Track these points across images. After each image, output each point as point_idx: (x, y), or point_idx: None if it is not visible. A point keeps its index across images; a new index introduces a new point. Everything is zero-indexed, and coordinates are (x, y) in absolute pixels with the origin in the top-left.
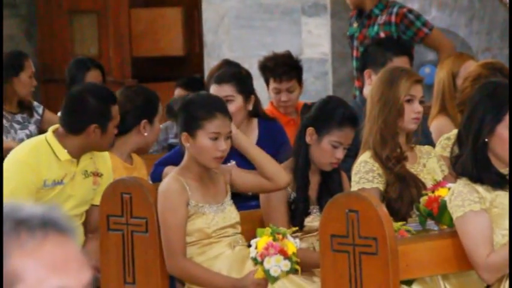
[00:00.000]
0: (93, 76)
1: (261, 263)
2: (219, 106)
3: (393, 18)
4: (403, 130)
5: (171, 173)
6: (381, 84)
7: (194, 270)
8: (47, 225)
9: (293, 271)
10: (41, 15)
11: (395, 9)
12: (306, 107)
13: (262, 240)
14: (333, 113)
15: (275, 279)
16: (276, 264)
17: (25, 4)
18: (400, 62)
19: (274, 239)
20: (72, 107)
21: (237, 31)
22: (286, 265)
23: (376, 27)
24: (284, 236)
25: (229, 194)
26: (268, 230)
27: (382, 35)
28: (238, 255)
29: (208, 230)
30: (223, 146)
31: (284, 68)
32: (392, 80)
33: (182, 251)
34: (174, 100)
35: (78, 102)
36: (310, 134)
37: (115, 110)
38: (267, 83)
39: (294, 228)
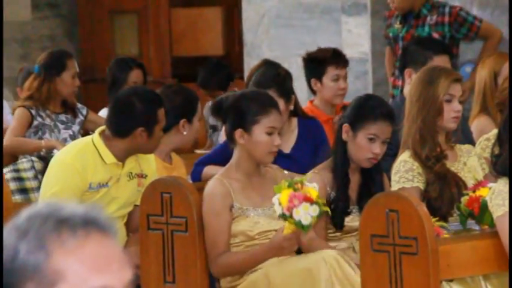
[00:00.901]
0: (135, 76)
1: (290, 217)
2: (272, 102)
3: (446, 19)
4: (442, 129)
5: (216, 175)
6: (420, 84)
7: (234, 259)
8: (89, 224)
9: (323, 213)
10: (82, 15)
11: (447, 9)
12: (344, 107)
13: (283, 195)
14: (367, 108)
15: (308, 227)
16: (305, 213)
17: (67, 4)
18: (440, 61)
19: (295, 190)
20: (119, 110)
21: (277, 30)
22: (314, 210)
23: (427, 28)
24: (302, 183)
25: None
26: (284, 183)
27: (434, 35)
28: (282, 257)
29: (251, 232)
30: (278, 140)
31: (341, 54)
32: (431, 79)
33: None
34: (221, 98)
35: (125, 105)
36: (345, 131)
37: (161, 113)
38: (321, 74)
39: (305, 176)
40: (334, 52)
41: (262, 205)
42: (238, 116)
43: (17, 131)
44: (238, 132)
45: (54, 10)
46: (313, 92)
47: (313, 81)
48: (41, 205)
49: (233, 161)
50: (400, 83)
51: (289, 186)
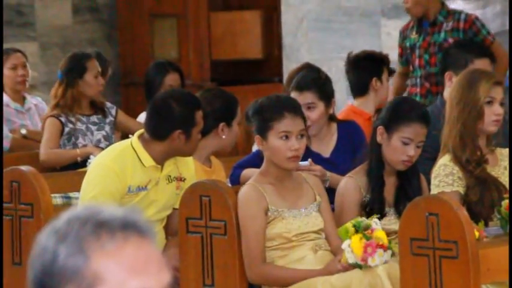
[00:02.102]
0: (171, 79)
1: (366, 266)
2: (287, 105)
3: (461, 25)
4: (483, 132)
5: (249, 181)
6: (460, 87)
7: (274, 272)
8: (128, 228)
9: (393, 254)
10: (122, 19)
11: (463, 16)
12: (379, 109)
13: (355, 242)
14: (401, 111)
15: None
16: (379, 259)
17: (107, 8)
18: (481, 64)
19: (366, 238)
20: (157, 113)
21: (316, 34)
22: (388, 255)
23: (443, 34)
24: (370, 228)
25: (318, 199)
26: (350, 227)
27: (450, 40)
28: (321, 259)
29: (288, 234)
30: (296, 145)
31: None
32: (472, 82)
33: (261, 258)
34: (249, 106)
35: (162, 108)
36: (380, 133)
37: (199, 115)
38: (380, 74)
39: (373, 218)
40: (383, 54)
41: (297, 206)
42: (257, 123)
43: (50, 143)
44: (258, 139)
45: (95, 14)
46: (362, 93)
47: (374, 80)
48: (80, 208)
49: (262, 167)
50: (417, 90)
51: (357, 231)
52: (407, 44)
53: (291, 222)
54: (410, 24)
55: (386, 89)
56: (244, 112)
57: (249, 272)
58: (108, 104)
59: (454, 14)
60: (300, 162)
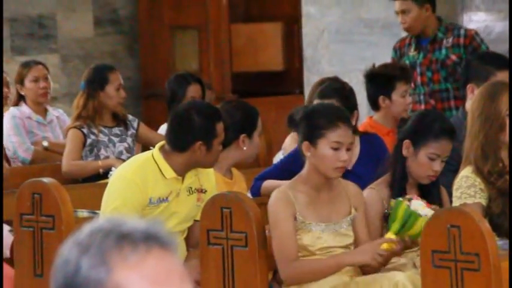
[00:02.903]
0: (193, 90)
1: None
2: (341, 116)
3: (462, 40)
4: (505, 144)
5: (282, 186)
6: (482, 99)
7: (309, 265)
8: (150, 240)
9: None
10: (143, 31)
11: (462, 32)
12: (403, 120)
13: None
14: (429, 125)
15: (418, 227)
16: (421, 205)
17: (128, 21)
18: (503, 76)
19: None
20: (178, 124)
21: (337, 45)
22: (429, 211)
23: (444, 50)
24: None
25: (353, 212)
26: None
27: (452, 57)
28: (345, 273)
29: (312, 248)
30: (345, 156)
31: (407, 69)
32: (494, 94)
33: (296, 257)
34: (296, 110)
35: (183, 119)
36: (406, 147)
37: (220, 127)
38: (390, 91)
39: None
40: (402, 68)
41: (329, 220)
42: (306, 128)
43: (73, 155)
44: (305, 145)
45: (116, 26)
46: (376, 108)
47: (381, 98)
48: (102, 220)
49: (303, 173)
50: (421, 107)
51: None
52: (407, 62)
53: (317, 236)
54: (406, 41)
55: (400, 104)
56: (288, 115)
57: (284, 273)
58: (130, 117)
59: (453, 29)
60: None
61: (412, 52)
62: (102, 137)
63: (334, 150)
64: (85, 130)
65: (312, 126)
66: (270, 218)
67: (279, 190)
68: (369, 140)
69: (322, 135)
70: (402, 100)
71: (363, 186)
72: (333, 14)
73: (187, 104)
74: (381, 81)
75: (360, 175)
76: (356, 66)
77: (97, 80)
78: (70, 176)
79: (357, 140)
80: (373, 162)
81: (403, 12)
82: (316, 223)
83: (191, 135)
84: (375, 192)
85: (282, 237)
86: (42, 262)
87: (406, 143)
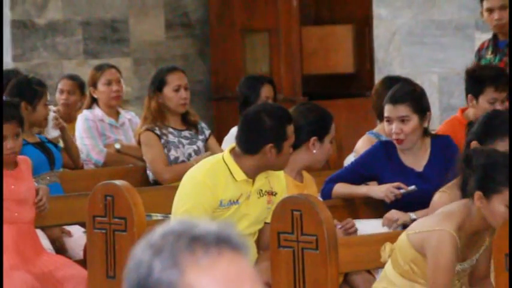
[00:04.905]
0: (266, 90)
1: None
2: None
3: None
4: None
5: (448, 226)
6: None
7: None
8: (222, 242)
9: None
10: (214, 34)
11: None
12: (471, 123)
13: None
14: (495, 125)
15: None
16: None
17: (199, 24)
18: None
19: None
20: (248, 127)
21: (408, 48)
22: None
23: None
24: None
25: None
26: None
27: None
28: None
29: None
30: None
31: (503, 76)
32: None
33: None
34: (475, 150)
35: (254, 122)
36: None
37: (290, 129)
38: (478, 93)
39: None
40: (497, 75)
41: (468, 257)
42: (483, 177)
43: (161, 158)
44: (478, 195)
45: (187, 30)
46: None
47: (469, 96)
48: (174, 222)
49: (463, 218)
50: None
51: None
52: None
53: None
54: (485, 44)
55: (484, 110)
56: (464, 155)
57: None
58: (204, 125)
59: None
60: (409, 188)
61: (489, 55)
62: (172, 138)
63: (506, 207)
64: (157, 131)
65: (490, 179)
66: (438, 255)
67: (451, 234)
68: (440, 142)
69: (498, 191)
70: (488, 106)
71: (430, 188)
72: (404, 16)
73: (258, 107)
74: (472, 81)
75: (428, 177)
76: (428, 69)
77: (155, 82)
78: (172, 181)
79: (428, 142)
80: (442, 165)
81: (502, 8)
82: (460, 263)
83: (262, 138)
84: (447, 196)
85: (439, 271)
86: (114, 264)
87: (474, 143)
